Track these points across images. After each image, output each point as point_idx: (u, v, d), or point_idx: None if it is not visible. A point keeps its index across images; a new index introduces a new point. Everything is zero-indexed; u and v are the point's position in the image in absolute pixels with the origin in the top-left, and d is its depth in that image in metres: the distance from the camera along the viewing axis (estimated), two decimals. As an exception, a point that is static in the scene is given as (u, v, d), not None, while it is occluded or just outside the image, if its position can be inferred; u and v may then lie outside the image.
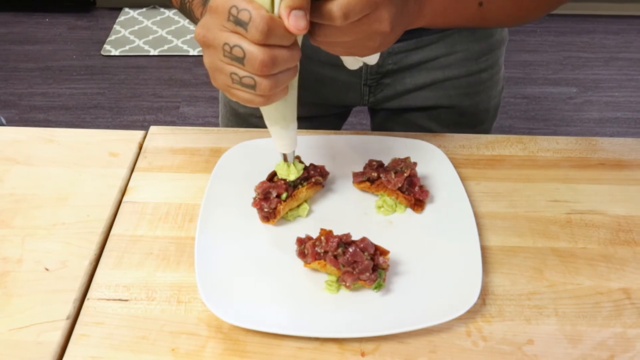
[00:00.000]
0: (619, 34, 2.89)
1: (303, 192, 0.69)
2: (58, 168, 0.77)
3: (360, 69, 0.90)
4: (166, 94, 2.50)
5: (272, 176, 0.69)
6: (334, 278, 0.63)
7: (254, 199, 0.68)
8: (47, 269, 0.66)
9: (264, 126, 0.95)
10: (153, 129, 0.83)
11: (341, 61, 0.73)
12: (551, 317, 0.62)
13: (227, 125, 1.02)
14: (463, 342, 0.60)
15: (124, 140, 0.81)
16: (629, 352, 0.59)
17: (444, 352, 0.59)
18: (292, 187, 0.68)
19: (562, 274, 0.66)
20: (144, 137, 0.82)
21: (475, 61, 0.92)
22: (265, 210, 0.67)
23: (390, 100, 0.96)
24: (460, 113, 0.96)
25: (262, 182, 0.68)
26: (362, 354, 0.59)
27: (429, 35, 0.88)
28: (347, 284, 0.61)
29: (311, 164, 0.71)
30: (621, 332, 0.61)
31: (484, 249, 0.68)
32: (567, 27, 2.94)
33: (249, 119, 0.98)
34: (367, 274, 0.60)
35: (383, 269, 0.62)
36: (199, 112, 2.41)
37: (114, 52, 2.69)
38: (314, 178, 0.70)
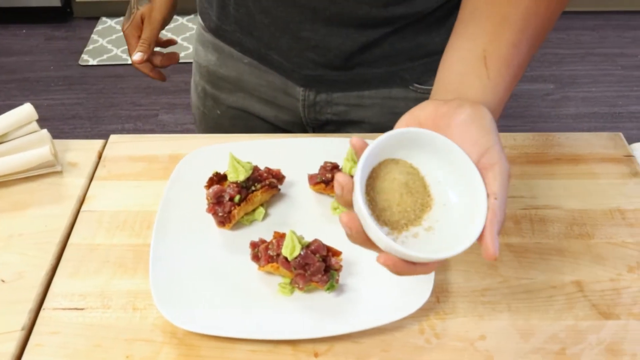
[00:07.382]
0: (595, 29, 2.91)
1: (258, 195, 0.69)
2: (16, 179, 0.77)
3: (298, 114, 0.90)
4: (144, 102, 2.49)
5: (220, 178, 0.69)
6: (287, 280, 0.63)
7: (208, 204, 0.68)
8: (3, 281, 0.66)
9: (233, 130, 0.95)
10: (113, 137, 0.83)
11: (280, 101, 0.79)
12: (504, 313, 0.63)
13: (203, 131, 1.01)
14: (416, 339, 0.60)
15: (83, 149, 0.81)
16: (580, 344, 0.60)
17: (397, 350, 0.59)
18: (245, 189, 0.68)
19: (515, 270, 0.67)
20: (104, 146, 0.82)
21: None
22: (220, 214, 0.67)
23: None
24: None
25: (213, 187, 0.68)
26: (316, 355, 0.59)
27: (370, 92, 0.86)
28: (300, 286, 0.61)
29: (266, 167, 0.72)
30: (572, 325, 0.62)
31: (439, 247, 0.68)
32: (543, 24, 2.95)
33: (220, 122, 0.97)
34: (319, 276, 0.61)
35: (336, 269, 0.62)
36: (178, 119, 2.41)
37: (92, 62, 2.68)
38: (268, 180, 0.70)
